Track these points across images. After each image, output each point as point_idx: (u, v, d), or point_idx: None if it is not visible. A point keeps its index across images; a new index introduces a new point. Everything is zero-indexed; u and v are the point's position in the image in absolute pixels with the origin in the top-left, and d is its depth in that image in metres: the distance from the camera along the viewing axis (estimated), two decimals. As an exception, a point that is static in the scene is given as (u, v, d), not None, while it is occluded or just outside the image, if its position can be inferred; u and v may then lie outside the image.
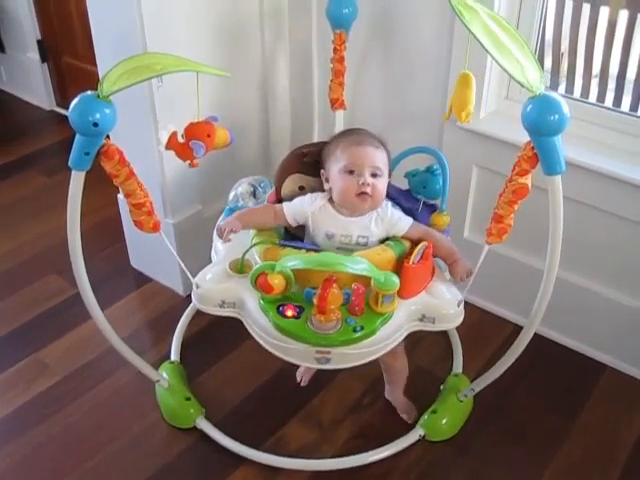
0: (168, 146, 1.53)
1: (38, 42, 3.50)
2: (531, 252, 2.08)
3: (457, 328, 2.15)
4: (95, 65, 2.06)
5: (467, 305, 2.24)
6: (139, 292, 2.44)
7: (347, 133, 1.71)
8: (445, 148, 2.07)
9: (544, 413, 1.97)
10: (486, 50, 1.32)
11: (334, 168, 1.63)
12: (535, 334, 1.64)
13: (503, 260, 2.13)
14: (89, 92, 1.32)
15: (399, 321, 1.54)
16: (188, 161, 1.53)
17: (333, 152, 1.65)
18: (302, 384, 1.99)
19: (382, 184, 1.62)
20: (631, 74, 1.99)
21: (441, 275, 1.63)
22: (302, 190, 1.74)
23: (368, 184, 1.58)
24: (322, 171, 1.68)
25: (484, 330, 2.22)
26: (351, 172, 1.60)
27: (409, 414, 1.94)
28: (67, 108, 1.35)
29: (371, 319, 1.49)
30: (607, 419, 1.95)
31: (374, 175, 1.60)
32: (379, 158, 1.62)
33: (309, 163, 1.74)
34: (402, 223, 1.65)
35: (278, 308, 1.50)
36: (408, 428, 1.88)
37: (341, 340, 1.47)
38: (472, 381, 1.90)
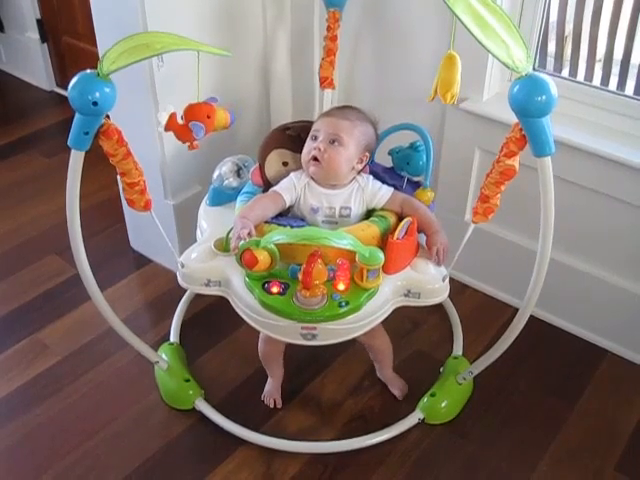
0: (167, 127, 1.52)
1: (38, 22, 3.47)
2: (532, 236, 2.05)
3: (458, 311, 2.18)
4: (95, 45, 2.04)
5: (468, 289, 2.27)
6: (139, 273, 2.43)
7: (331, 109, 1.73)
8: (447, 130, 2.06)
9: (544, 397, 1.97)
10: (470, 32, 1.29)
11: None
12: (536, 318, 1.64)
13: (505, 244, 2.12)
14: (89, 71, 1.31)
15: (385, 296, 1.54)
16: (188, 143, 1.53)
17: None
18: (277, 406, 1.94)
19: (339, 153, 1.61)
20: (635, 58, 1.97)
21: (425, 251, 1.63)
22: (286, 166, 1.74)
23: (319, 149, 1.61)
24: None
25: (485, 314, 2.22)
26: (314, 138, 1.64)
27: (400, 390, 1.95)
28: (67, 88, 1.34)
29: (356, 294, 1.50)
30: (607, 404, 1.95)
31: (332, 142, 1.61)
32: (342, 127, 1.62)
33: (292, 138, 1.74)
34: (382, 192, 1.67)
35: (263, 285, 1.50)
36: (407, 411, 1.89)
37: (326, 315, 1.48)
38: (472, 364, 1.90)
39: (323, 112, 1.72)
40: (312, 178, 1.66)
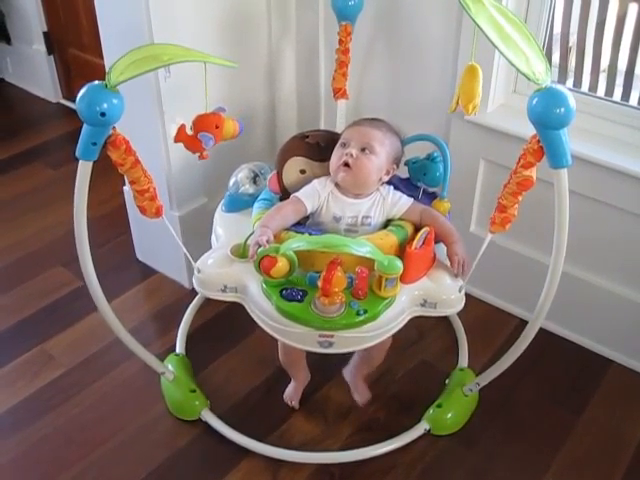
0: (177, 139, 1.54)
1: (44, 34, 3.49)
2: (537, 246, 2.07)
3: (462, 322, 2.18)
4: (101, 57, 2.06)
5: (473, 299, 2.27)
6: (144, 284, 2.44)
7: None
8: (452, 141, 2.07)
9: (549, 408, 1.97)
10: (492, 43, 1.31)
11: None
12: (541, 329, 1.64)
13: (509, 254, 2.13)
14: (97, 82, 1.32)
15: (401, 306, 1.55)
16: (198, 153, 1.54)
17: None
18: (295, 407, 1.96)
19: (370, 161, 1.62)
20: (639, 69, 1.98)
21: (442, 261, 1.64)
22: (303, 173, 1.74)
23: (351, 155, 1.60)
24: None
25: (490, 324, 2.22)
26: (344, 146, 1.64)
27: (362, 397, 1.93)
28: (73, 100, 1.35)
29: (374, 303, 1.50)
30: (613, 415, 1.95)
31: (363, 150, 1.62)
32: (374, 136, 1.63)
33: (311, 146, 1.74)
34: (402, 202, 1.67)
35: (281, 292, 1.50)
36: (413, 422, 1.88)
37: (344, 323, 1.47)
38: (477, 375, 1.89)
39: (352, 122, 1.72)
40: (336, 187, 1.66)
